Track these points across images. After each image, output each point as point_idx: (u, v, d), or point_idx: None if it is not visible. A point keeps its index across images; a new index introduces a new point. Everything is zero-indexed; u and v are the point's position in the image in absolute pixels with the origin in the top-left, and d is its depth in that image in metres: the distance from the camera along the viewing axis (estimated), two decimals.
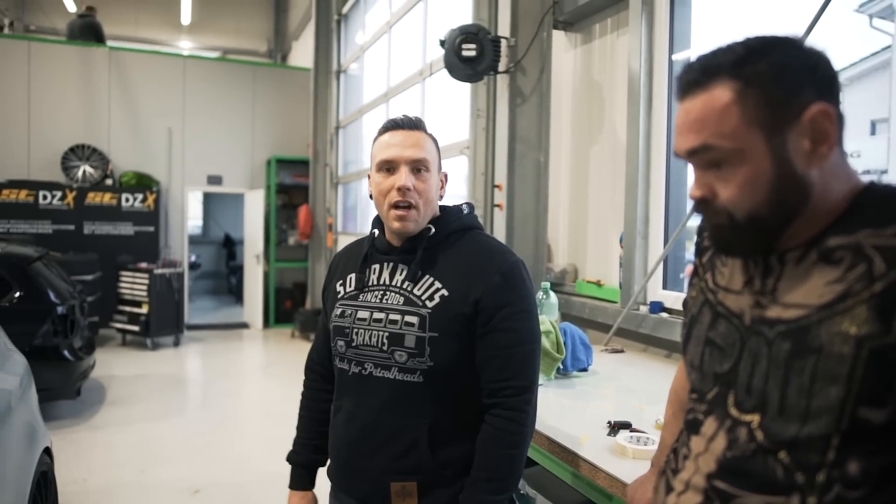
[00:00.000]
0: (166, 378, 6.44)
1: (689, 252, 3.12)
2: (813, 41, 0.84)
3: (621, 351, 2.91)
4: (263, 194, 9.24)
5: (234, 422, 5.18)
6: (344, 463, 1.46)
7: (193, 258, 11.77)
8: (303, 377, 1.67)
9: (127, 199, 8.55)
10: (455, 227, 1.46)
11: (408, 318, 1.37)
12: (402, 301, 1.40)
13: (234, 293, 12.30)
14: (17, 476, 2.20)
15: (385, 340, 1.38)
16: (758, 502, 0.83)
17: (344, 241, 8.10)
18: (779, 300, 0.86)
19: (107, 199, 8.48)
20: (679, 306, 2.86)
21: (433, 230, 1.43)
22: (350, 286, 1.48)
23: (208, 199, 13.76)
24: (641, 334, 2.96)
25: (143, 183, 8.75)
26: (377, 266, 1.47)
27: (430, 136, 1.46)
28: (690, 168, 0.91)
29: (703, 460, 0.91)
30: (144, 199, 8.62)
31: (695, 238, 1.21)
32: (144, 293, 7.51)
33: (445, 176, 1.50)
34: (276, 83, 9.71)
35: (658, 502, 1.01)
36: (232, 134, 9.42)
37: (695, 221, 2.77)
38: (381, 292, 1.43)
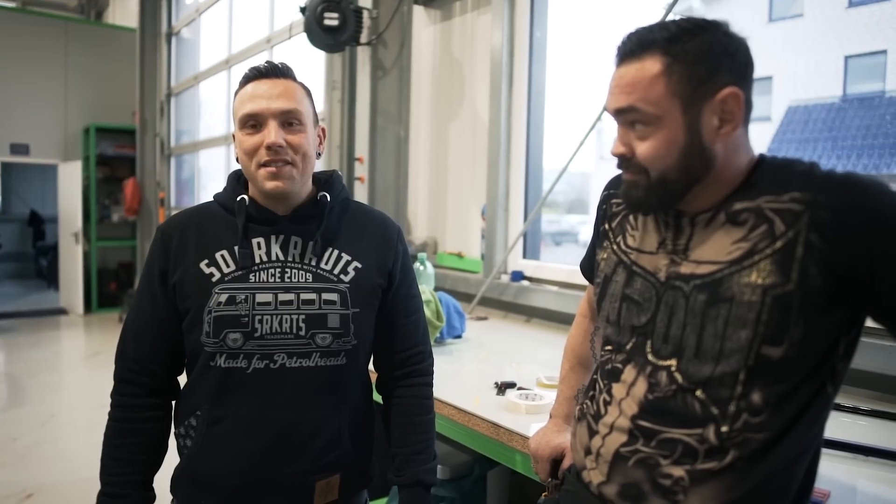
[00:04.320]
0: None
1: (546, 223, 3.33)
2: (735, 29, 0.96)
3: (485, 318, 3.05)
4: (81, 166, 8.31)
5: (63, 417, 4.68)
6: (250, 481, 1.23)
7: None
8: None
9: None
10: (344, 194, 1.36)
11: (326, 296, 1.25)
12: (310, 278, 1.26)
13: (46, 276, 11.00)
14: None
15: (302, 324, 1.23)
16: (679, 435, 0.95)
17: None
18: (691, 258, 0.99)
19: None
20: (539, 275, 3.05)
21: (329, 197, 1.30)
22: (228, 266, 1.24)
23: (8, 171, 12.09)
24: (503, 302, 3.11)
25: None
26: (261, 240, 1.26)
27: (302, 85, 1.28)
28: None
29: (625, 404, 1.02)
30: None
31: (597, 206, 1.30)
32: None
33: (323, 130, 1.33)
34: (94, 43, 8.71)
35: (579, 445, 1.10)
36: (41, 98, 8.33)
37: (554, 196, 2.96)
38: (279, 269, 1.25)
